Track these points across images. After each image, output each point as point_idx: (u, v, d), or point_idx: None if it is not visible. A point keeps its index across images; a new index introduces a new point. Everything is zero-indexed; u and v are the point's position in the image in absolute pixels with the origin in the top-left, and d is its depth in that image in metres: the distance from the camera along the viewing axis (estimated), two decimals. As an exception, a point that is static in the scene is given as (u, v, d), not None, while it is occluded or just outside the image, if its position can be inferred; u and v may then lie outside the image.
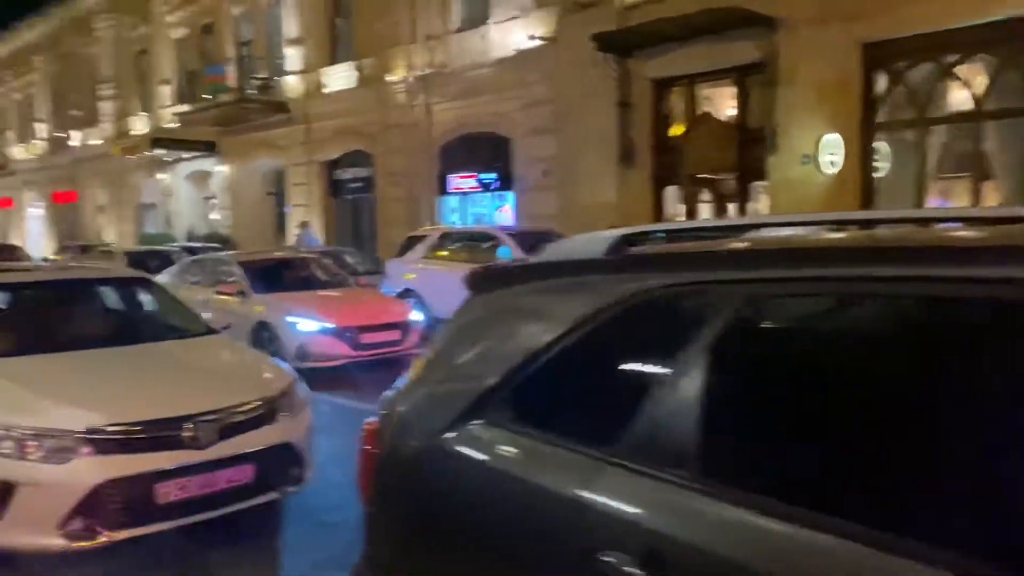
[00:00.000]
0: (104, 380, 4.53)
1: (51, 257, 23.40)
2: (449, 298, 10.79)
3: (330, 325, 8.81)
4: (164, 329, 5.59)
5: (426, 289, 11.80)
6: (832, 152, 11.49)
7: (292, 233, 22.64)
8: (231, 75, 23.30)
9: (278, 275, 10.30)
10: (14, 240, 33.96)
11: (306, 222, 22.66)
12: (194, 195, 28.18)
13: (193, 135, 25.48)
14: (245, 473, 4.29)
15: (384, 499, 2.20)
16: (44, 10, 33.72)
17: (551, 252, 2.19)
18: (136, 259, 14.34)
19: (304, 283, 10.30)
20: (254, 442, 4.34)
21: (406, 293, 11.80)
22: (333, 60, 21.70)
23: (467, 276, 2.25)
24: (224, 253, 12.47)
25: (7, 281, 5.61)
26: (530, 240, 11.32)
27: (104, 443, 3.93)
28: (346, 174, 22.37)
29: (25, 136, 37.84)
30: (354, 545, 4.62)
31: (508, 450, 1.89)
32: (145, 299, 5.95)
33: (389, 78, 19.46)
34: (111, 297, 6.00)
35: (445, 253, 12.17)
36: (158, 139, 25.60)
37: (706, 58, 13.48)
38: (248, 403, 4.44)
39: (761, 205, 13.86)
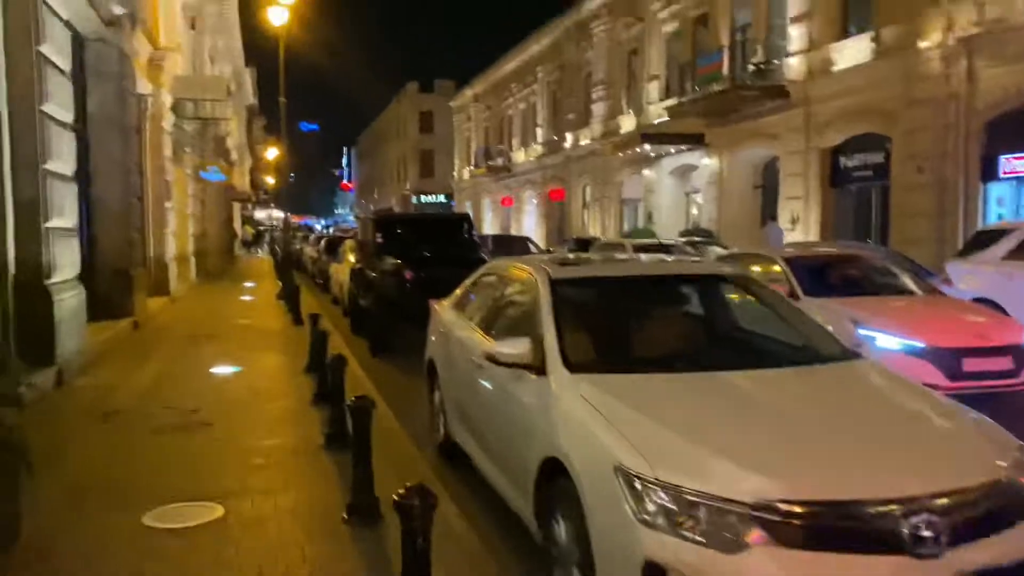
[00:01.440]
0: (750, 423, 3.23)
1: (551, 249, 25.03)
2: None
3: (920, 344, 6.77)
4: (790, 349, 4.19)
5: (1014, 300, 8.98)
6: None
7: (784, 227, 20.84)
8: (724, 63, 22.24)
9: (829, 275, 8.57)
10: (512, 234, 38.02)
11: (773, 216, 20.73)
12: (676, 190, 28.03)
13: (680, 129, 25.16)
14: (991, 605, 2.62)
15: None
16: (548, 23, 36.98)
17: None
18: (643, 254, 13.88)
19: (862, 287, 8.38)
20: (1004, 553, 2.64)
21: (979, 303, 9.10)
22: (844, 34, 19.21)
23: None
24: (767, 248, 11.10)
25: (596, 275, 4.80)
26: None
27: (782, 528, 2.59)
28: (851, 161, 19.71)
29: (527, 141, 42.23)
30: None
31: None
32: (746, 305, 4.67)
33: (920, 44, 16.34)
34: (703, 300, 4.84)
35: (1047, 253, 9.16)
36: (647, 134, 25.82)
37: None
38: (980, 486, 2.76)
39: None
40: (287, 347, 10.38)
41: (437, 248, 11.29)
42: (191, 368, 8.68)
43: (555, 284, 4.24)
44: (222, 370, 8.57)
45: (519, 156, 42.90)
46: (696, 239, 21.94)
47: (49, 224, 7.50)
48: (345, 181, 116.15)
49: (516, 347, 3.91)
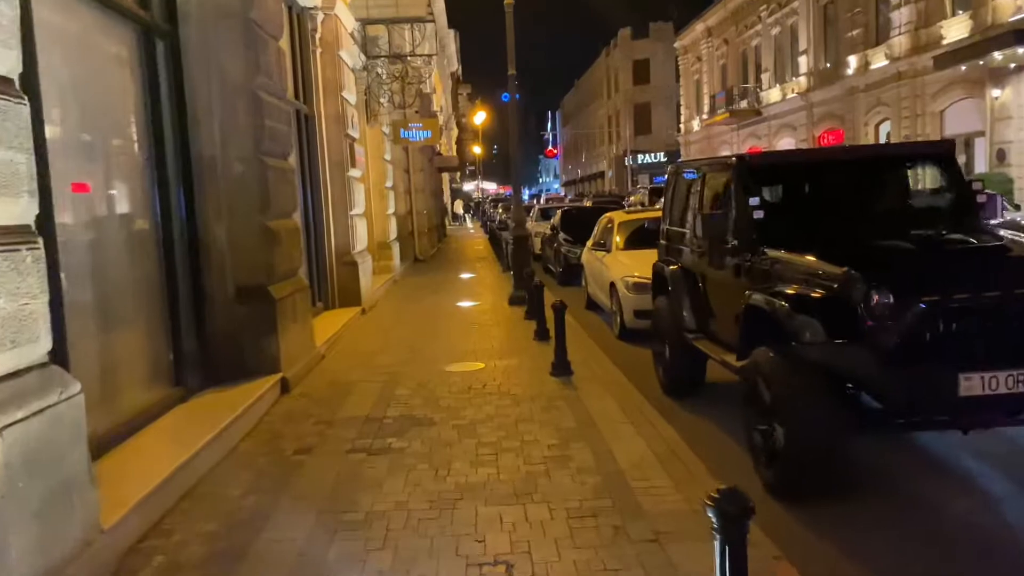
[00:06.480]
0: None
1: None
2: None
3: None
4: None
5: None
6: None
7: None
8: None
9: None
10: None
11: None
12: (1048, 114, 19.35)
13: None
14: None
15: None
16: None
17: None
18: None
19: None
20: None
21: None
22: None
23: None
24: None
25: None
26: None
27: None
28: None
29: (782, 76, 34.15)
30: None
31: None
32: None
33: None
34: None
35: None
36: (1022, 30, 17.47)
37: None
38: None
39: None
40: (555, 443, 4.58)
41: (912, 230, 4.83)
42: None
43: None
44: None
45: (772, 95, 34.89)
46: None
47: None
48: (550, 147, 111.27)
49: None
